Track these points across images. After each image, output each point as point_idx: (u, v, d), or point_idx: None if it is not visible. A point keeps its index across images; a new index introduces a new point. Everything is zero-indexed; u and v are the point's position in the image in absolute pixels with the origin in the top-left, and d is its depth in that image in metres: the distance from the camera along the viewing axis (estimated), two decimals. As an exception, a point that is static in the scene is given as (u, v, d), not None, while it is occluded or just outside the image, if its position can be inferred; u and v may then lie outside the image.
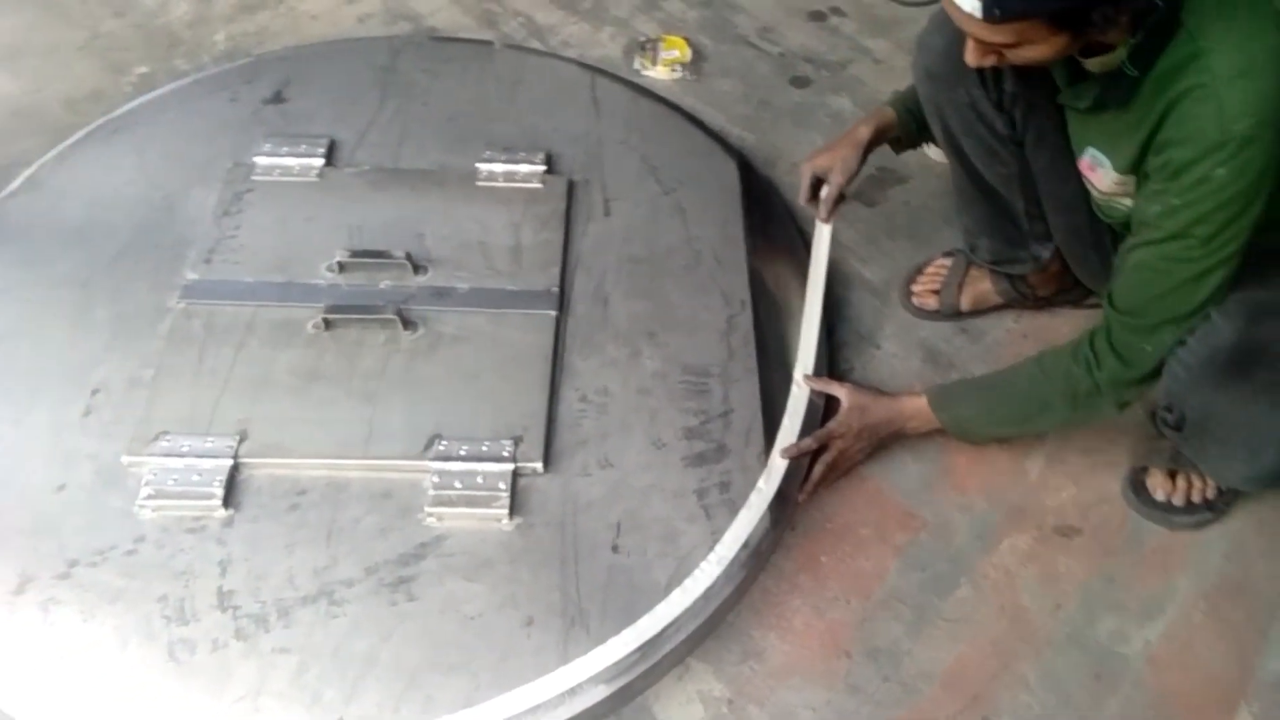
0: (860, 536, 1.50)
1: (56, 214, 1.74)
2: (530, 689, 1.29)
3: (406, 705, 1.27)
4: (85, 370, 1.54)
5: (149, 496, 1.40)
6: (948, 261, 1.73)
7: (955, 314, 1.71)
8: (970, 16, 1.09)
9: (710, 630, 1.40)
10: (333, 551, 1.38)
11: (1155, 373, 1.27)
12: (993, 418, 1.48)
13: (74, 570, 1.35)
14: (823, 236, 1.65)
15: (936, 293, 1.71)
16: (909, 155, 1.82)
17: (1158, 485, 1.51)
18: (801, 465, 1.51)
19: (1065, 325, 1.72)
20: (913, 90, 1.57)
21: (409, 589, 1.36)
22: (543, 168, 1.79)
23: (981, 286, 1.70)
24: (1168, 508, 1.50)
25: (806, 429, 1.52)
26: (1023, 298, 1.69)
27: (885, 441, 1.54)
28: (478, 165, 1.79)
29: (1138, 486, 1.52)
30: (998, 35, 1.11)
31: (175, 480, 1.41)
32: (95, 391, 1.51)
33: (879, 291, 1.77)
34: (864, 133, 1.57)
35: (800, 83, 2.10)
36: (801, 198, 1.65)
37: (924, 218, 1.86)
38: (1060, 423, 1.44)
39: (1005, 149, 1.46)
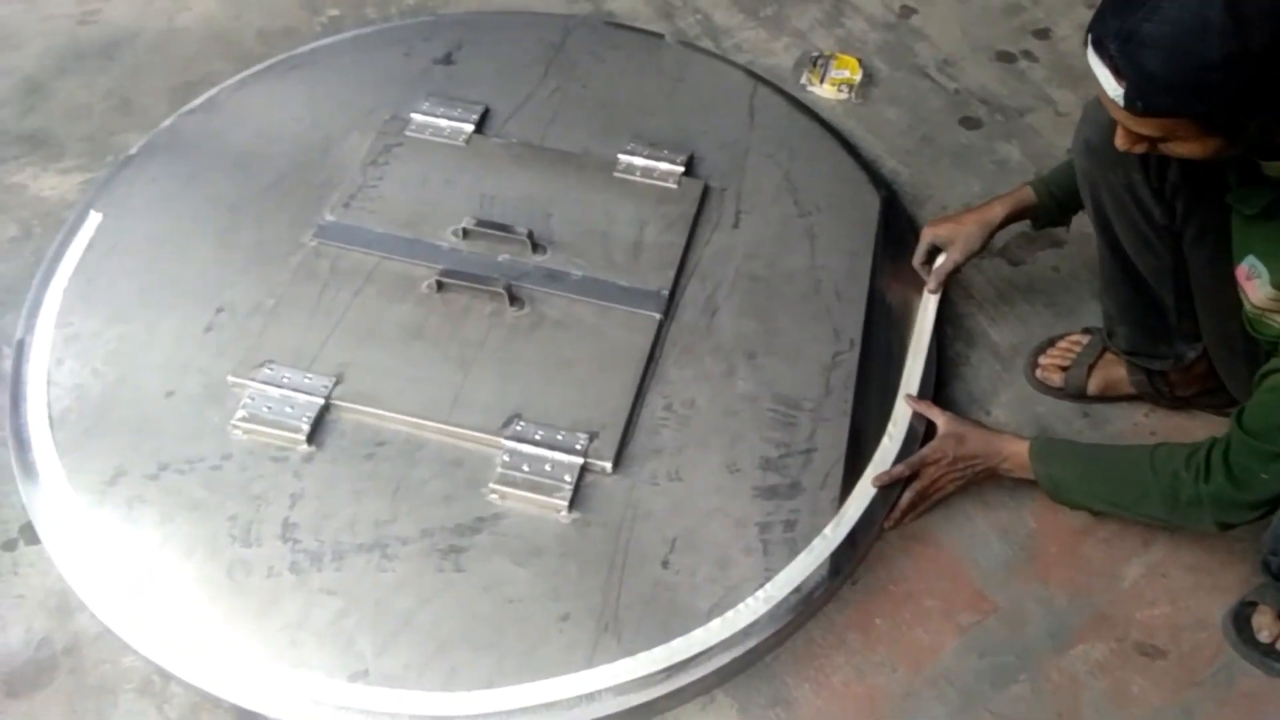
0: (923, 607, 1.43)
1: (225, 137, 1.84)
2: (550, 684, 1.29)
3: (430, 672, 1.30)
4: (217, 288, 1.63)
5: (243, 419, 1.47)
6: (1084, 339, 1.62)
7: (1080, 395, 1.60)
8: (1114, 103, 1.01)
9: (744, 667, 1.36)
10: (396, 507, 1.42)
11: (1268, 504, 1.15)
12: (1088, 489, 1.38)
13: (163, 474, 1.44)
14: (929, 307, 1.60)
15: (1064, 369, 1.61)
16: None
17: (1264, 625, 1.37)
18: (873, 523, 1.45)
19: (1201, 430, 1.58)
20: (1059, 171, 1.49)
21: (458, 559, 1.38)
22: (681, 169, 1.77)
23: (1114, 373, 1.58)
24: (1269, 651, 1.36)
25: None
26: (1158, 394, 1.56)
27: (979, 477, 1.47)
28: (619, 156, 1.79)
29: (1241, 621, 1.39)
30: (1143, 127, 1.02)
31: (270, 408, 1.48)
32: (220, 310, 1.60)
33: (1002, 355, 1.67)
34: (997, 212, 1.51)
35: (971, 123, 2.00)
36: (915, 260, 1.62)
37: (1069, 288, 1.74)
38: (1154, 520, 1.33)
39: (1160, 240, 1.35)
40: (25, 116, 1.93)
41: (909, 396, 1.53)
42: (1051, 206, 1.52)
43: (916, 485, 1.45)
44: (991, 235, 1.53)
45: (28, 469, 1.45)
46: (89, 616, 1.36)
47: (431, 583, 1.36)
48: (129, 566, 1.36)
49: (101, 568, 1.37)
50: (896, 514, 1.45)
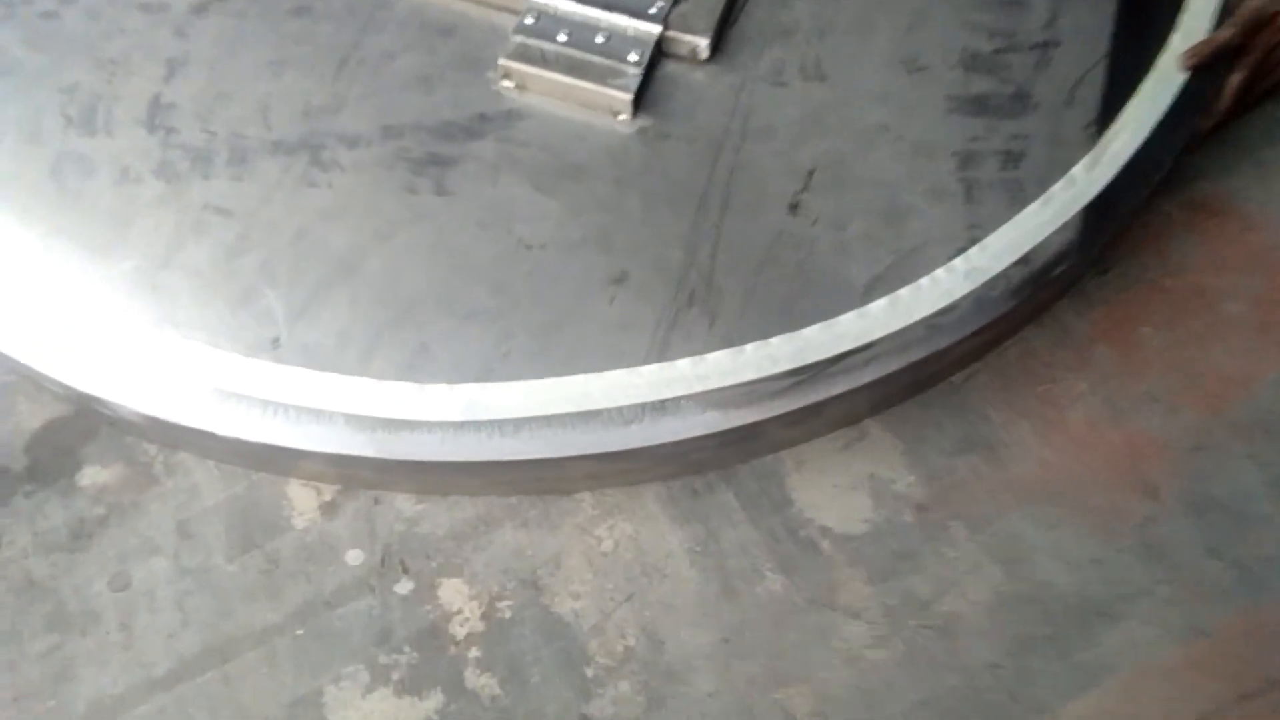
0: (1221, 314, 0.85)
1: None
2: (590, 384, 0.74)
3: (384, 351, 0.75)
4: None
5: (97, -59, 0.88)
6: None
7: None
8: None
9: (920, 388, 0.81)
10: (342, 90, 0.85)
11: None
12: None
13: (-39, 17, 0.87)
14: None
15: None
16: None
17: None
18: (1147, 173, 0.85)
19: None
20: None
21: (441, 176, 0.81)
22: None
23: None
24: None
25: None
26: None
27: None
28: None
29: None
30: None
31: (142, -72, 0.89)
32: None
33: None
34: None
35: None
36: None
37: None
38: None
39: None
40: None
41: None
42: None
43: (1248, 59, 0.85)
44: None
45: None
46: None
47: (395, 208, 0.80)
48: (-110, 153, 0.82)
49: None
50: (1221, 106, 0.85)
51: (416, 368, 0.76)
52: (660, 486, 0.79)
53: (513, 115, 0.85)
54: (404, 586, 0.76)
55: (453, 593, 0.76)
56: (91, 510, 0.79)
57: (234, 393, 0.75)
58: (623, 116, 0.85)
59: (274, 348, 0.76)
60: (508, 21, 0.87)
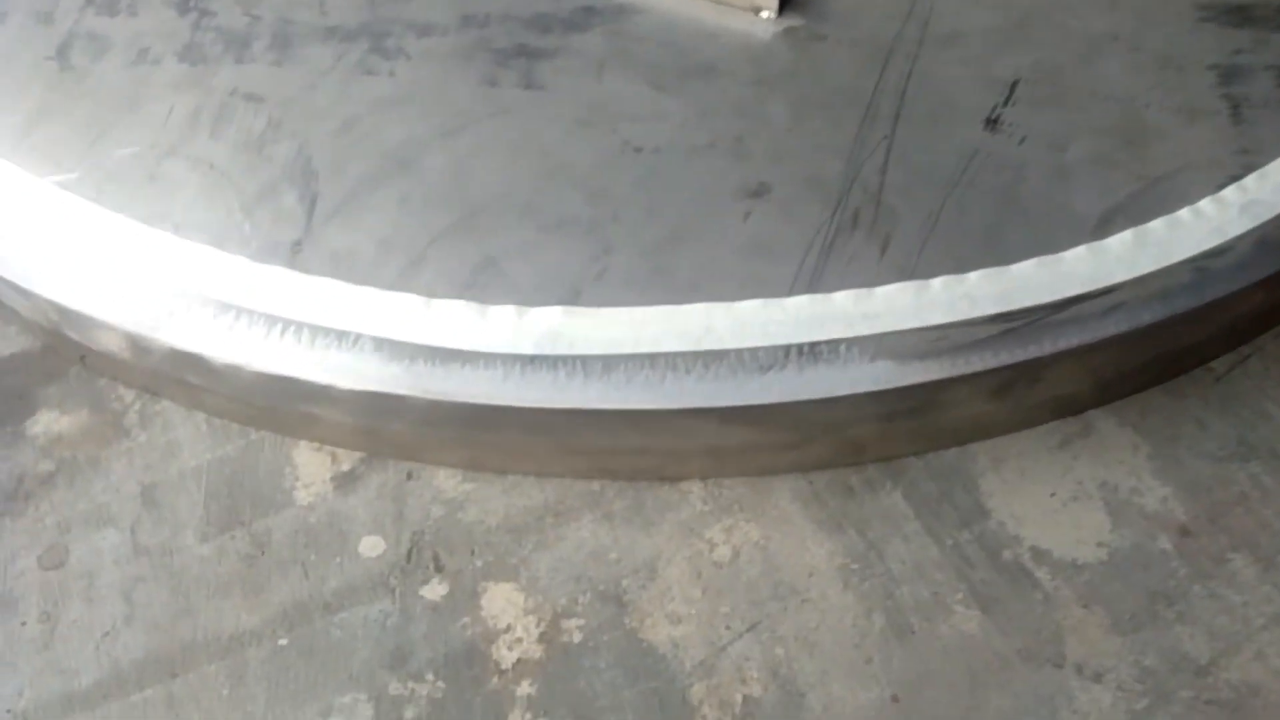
0: None
1: None
2: (711, 315, 0.54)
3: (447, 258, 0.56)
4: None
5: None
6: None
7: None
8: None
9: (1168, 370, 0.59)
10: (419, -25, 0.69)
11: None
12: None
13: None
14: None
15: None
16: None
17: None
18: None
19: None
20: None
21: (529, 71, 0.64)
22: None
23: None
24: None
25: None
26: None
27: None
28: None
29: None
30: None
31: None
32: None
33: None
34: None
35: None
36: None
37: None
38: None
39: None
40: None
41: None
42: None
43: None
44: None
45: None
46: None
47: (469, 100, 0.63)
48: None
49: None
50: None
51: (479, 285, 0.57)
52: (799, 479, 0.57)
53: (626, 10, 0.68)
54: (435, 590, 0.54)
55: (502, 603, 0.53)
56: (37, 465, 0.59)
57: (236, 305, 0.57)
58: (766, 14, 0.67)
59: (294, 253, 0.58)
60: (626, -88, 0.72)
